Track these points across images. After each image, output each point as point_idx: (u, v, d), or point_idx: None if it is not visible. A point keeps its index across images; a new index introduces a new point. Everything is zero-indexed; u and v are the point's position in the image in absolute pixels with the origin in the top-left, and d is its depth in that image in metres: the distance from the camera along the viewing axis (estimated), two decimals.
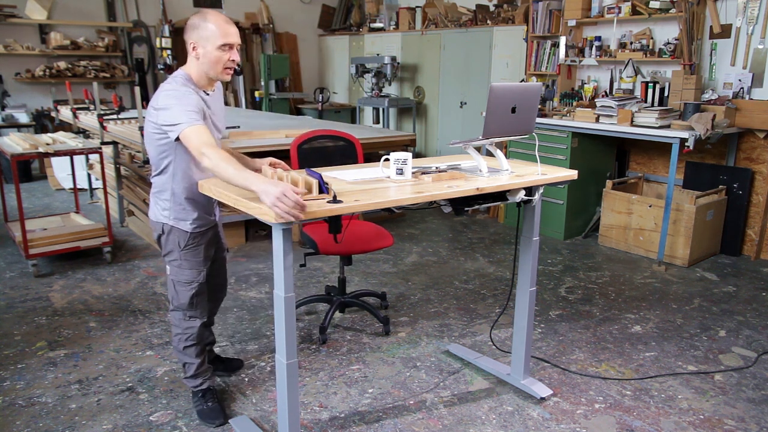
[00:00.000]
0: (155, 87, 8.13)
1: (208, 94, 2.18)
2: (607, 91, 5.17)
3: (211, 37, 2.06)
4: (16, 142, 4.26)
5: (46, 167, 6.79)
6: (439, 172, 2.33)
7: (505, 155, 2.73)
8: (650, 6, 4.72)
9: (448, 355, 2.97)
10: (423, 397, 2.60)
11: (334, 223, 2.04)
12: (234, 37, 2.09)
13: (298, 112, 8.60)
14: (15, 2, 6.97)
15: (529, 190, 2.41)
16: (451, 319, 3.39)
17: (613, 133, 4.50)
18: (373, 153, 4.77)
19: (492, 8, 6.53)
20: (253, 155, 4.40)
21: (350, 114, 8.45)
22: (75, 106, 5.42)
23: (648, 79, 4.89)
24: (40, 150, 3.93)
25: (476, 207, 2.29)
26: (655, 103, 4.67)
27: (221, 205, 4.60)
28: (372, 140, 4.82)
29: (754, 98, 4.42)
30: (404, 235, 5.02)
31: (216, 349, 2.97)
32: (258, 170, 2.23)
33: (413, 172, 2.27)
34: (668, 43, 4.69)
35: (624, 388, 2.69)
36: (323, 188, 1.96)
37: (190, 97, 2.05)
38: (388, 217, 5.37)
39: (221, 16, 2.10)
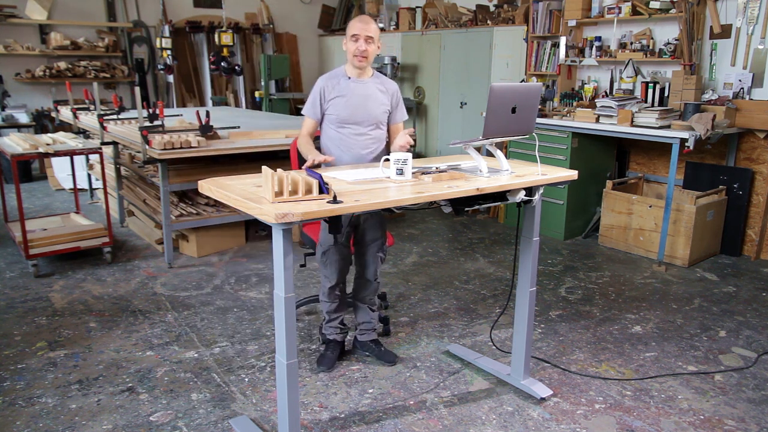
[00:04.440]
0: (155, 87, 8.14)
1: (349, 78, 2.69)
2: (607, 92, 5.17)
3: (348, 32, 2.64)
4: (16, 143, 4.26)
5: (46, 167, 6.79)
6: (439, 172, 2.33)
7: (505, 155, 2.73)
8: (650, 6, 4.72)
9: (448, 356, 2.97)
10: (423, 398, 2.60)
11: (335, 223, 2.04)
12: (358, 30, 2.58)
13: (299, 112, 8.58)
14: (15, 2, 6.97)
15: (529, 191, 2.41)
16: (451, 319, 3.39)
17: (613, 134, 4.50)
18: None
19: (492, 8, 6.52)
20: (253, 155, 4.40)
21: None
22: (75, 107, 5.42)
23: (648, 79, 4.89)
24: (41, 150, 3.93)
25: (476, 207, 2.29)
26: (656, 104, 4.66)
27: (222, 205, 4.58)
28: None
29: (754, 98, 4.42)
30: (404, 235, 5.02)
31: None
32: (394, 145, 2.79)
33: (413, 173, 2.28)
34: (668, 43, 4.69)
35: (624, 389, 2.69)
36: (323, 188, 1.96)
37: (314, 92, 2.69)
38: (388, 217, 5.37)
39: (361, 17, 2.65)
